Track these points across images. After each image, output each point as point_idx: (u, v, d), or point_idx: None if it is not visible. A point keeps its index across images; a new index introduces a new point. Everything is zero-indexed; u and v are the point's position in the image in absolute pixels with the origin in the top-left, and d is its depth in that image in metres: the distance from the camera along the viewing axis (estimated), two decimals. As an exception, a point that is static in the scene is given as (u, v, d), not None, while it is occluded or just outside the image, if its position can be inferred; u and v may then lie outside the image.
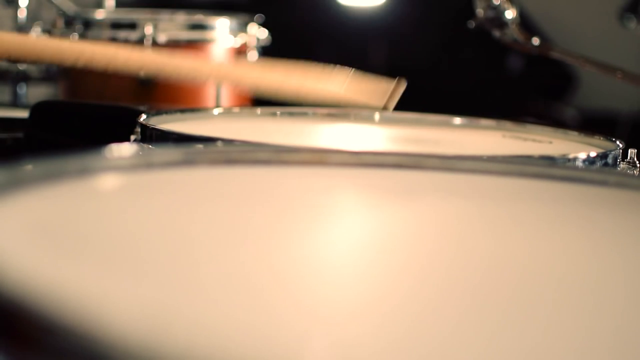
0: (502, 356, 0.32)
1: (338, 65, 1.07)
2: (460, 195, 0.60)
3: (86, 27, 1.71)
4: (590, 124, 2.83)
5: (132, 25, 1.70)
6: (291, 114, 1.13)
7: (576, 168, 0.75)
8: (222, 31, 1.75)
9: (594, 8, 3.11)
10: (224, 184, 0.58)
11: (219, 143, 0.79)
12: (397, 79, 1.00)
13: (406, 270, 0.43)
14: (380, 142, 1.05)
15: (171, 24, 1.71)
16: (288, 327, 0.33)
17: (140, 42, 1.67)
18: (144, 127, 0.89)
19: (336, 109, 1.13)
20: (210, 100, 1.71)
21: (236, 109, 1.19)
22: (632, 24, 2.07)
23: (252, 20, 1.82)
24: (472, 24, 1.36)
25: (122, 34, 1.70)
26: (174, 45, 1.69)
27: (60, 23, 1.75)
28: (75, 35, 1.71)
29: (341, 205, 0.58)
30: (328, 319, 0.34)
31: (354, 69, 1.11)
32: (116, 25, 1.72)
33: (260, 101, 1.87)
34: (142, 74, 1.07)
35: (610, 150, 0.87)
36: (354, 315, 0.35)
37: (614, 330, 0.36)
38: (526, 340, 0.33)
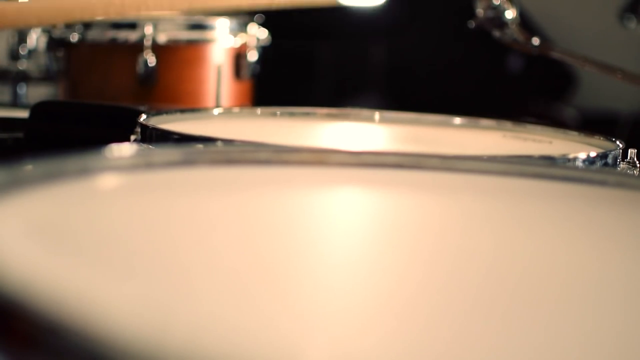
0: (503, 356, 0.32)
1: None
2: (461, 196, 0.60)
3: (86, 27, 1.71)
4: (590, 124, 2.83)
5: (132, 25, 1.70)
6: (291, 114, 1.13)
7: (576, 168, 0.75)
8: (222, 31, 1.75)
9: (594, 8, 3.11)
10: (224, 184, 0.58)
11: (219, 143, 0.79)
12: None
13: (407, 270, 0.43)
14: (380, 142, 1.05)
15: (171, 24, 1.71)
16: (287, 328, 0.33)
17: (140, 42, 1.67)
18: (144, 127, 0.89)
19: (336, 109, 1.13)
20: (210, 100, 1.71)
21: (236, 109, 1.19)
22: (632, 24, 2.07)
23: (252, 20, 1.82)
24: (472, 24, 1.36)
25: (122, 34, 1.70)
26: (174, 45, 1.70)
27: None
28: (76, 36, 1.71)
29: (341, 205, 0.58)
30: (328, 320, 0.34)
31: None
32: (116, 25, 1.72)
33: (261, 101, 1.88)
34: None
35: (610, 150, 0.87)
36: (355, 316, 0.35)
37: (615, 329, 0.36)
38: (527, 339, 0.33)
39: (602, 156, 0.85)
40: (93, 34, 1.71)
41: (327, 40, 3.15)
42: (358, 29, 3.06)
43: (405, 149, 0.93)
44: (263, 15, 1.87)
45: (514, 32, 1.33)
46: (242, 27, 1.79)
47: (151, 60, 1.66)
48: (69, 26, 1.72)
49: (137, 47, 1.67)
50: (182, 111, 1.06)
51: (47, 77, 2.05)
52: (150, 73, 1.66)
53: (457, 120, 1.11)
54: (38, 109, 1.25)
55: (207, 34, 1.74)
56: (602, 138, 0.95)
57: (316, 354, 0.31)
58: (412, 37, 3.11)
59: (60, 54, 1.74)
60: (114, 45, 1.70)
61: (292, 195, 0.57)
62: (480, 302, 0.38)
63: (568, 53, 1.45)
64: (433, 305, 0.37)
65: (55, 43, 1.75)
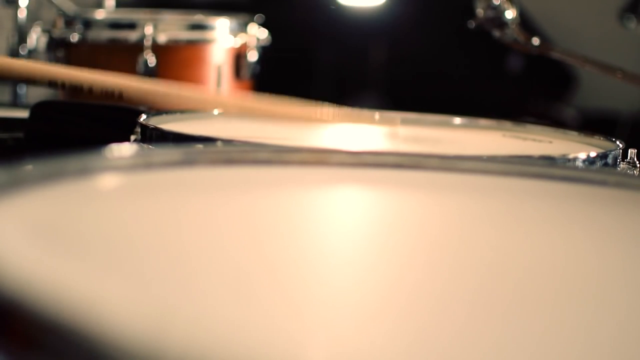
0: (503, 356, 0.32)
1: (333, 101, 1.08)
2: (460, 196, 0.60)
3: (86, 27, 1.71)
4: (590, 124, 2.83)
5: (132, 26, 1.70)
6: None
7: (576, 168, 0.75)
8: (222, 31, 1.75)
9: (594, 8, 3.11)
10: (224, 184, 0.58)
11: (219, 143, 0.79)
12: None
13: (407, 270, 0.43)
14: (380, 142, 1.05)
15: (171, 24, 1.71)
16: (288, 327, 0.33)
17: (140, 42, 1.67)
18: (144, 127, 0.89)
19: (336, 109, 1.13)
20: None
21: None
22: (632, 24, 2.07)
23: (252, 20, 1.82)
24: (472, 24, 1.36)
25: (122, 34, 1.70)
26: (174, 45, 1.70)
27: (60, 23, 1.75)
28: (76, 36, 1.71)
29: (341, 205, 0.58)
30: (329, 319, 0.34)
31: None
32: (116, 25, 1.72)
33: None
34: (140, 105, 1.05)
35: (610, 150, 0.87)
36: (355, 315, 0.35)
37: (615, 329, 0.36)
38: (527, 339, 0.33)
39: (602, 156, 0.85)
40: (93, 34, 1.71)
41: (327, 40, 3.15)
42: (358, 29, 3.06)
43: (406, 149, 0.93)
44: (263, 15, 1.87)
45: (514, 32, 1.33)
46: (242, 27, 1.79)
47: (151, 60, 1.66)
48: (69, 26, 1.72)
49: (137, 47, 1.67)
50: (182, 111, 1.06)
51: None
52: (150, 73, 1.66)
53: (457, 120, 1.11)
54: (38, 109, 1.25)
55: (207, 34, 1.74)
56: (602, 138, 0.95)
57: (317, 352, 0.31)
58: (412, 37, 3.11)
59: (60, 54, 1.74)
60: (114, 45, 1.70)
61: (293, 195, 0.57)
62: (479, 301, 0.38)
63: (568, 53, 1.45)
64: (433, 304, 0.37)
65: (55, 43, 1.75)
